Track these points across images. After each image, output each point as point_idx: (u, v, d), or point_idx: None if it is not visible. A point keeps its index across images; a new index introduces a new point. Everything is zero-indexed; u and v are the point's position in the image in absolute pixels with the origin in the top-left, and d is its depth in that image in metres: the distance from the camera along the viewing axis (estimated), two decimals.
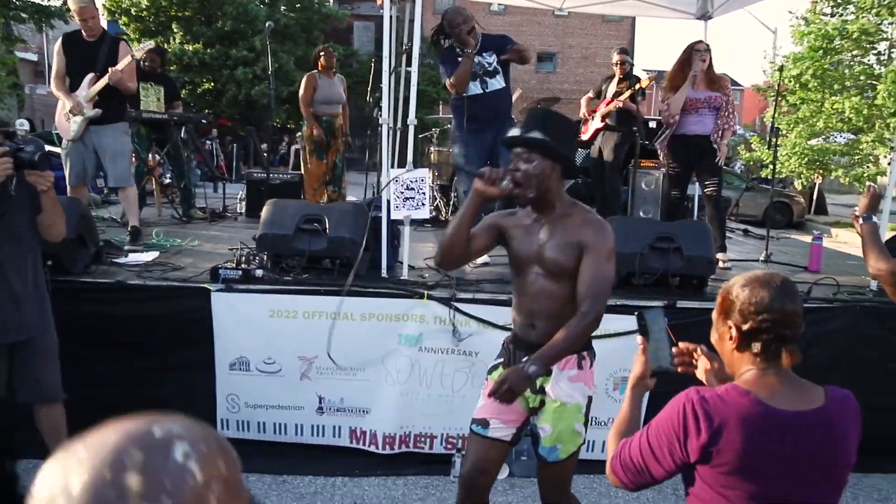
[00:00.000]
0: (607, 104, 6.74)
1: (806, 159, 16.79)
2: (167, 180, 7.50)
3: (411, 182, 4.34)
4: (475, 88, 5.08)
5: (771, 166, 16.60)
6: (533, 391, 2.64)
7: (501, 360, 2.82)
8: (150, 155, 6.83)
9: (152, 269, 4.38)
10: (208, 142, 19.56)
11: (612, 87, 6.81)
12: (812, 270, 5.33)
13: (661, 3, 7.63)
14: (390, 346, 4.12)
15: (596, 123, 6.91)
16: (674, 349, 1.92)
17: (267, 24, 6.67)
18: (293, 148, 17.89)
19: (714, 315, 1.75)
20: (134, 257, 4.63)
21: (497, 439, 2.72)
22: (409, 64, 6.47)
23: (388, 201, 4.38)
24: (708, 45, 5.63)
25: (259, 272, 4.12)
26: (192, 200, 7.03)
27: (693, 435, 1.58)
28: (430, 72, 26.32)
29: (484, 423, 2.73)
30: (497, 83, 5.14)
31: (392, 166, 4.86)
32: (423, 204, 4.38)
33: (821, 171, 17.74)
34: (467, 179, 5.20)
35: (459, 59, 5.03)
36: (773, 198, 9.69)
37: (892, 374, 4.37)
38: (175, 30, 23.07)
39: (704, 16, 7.56)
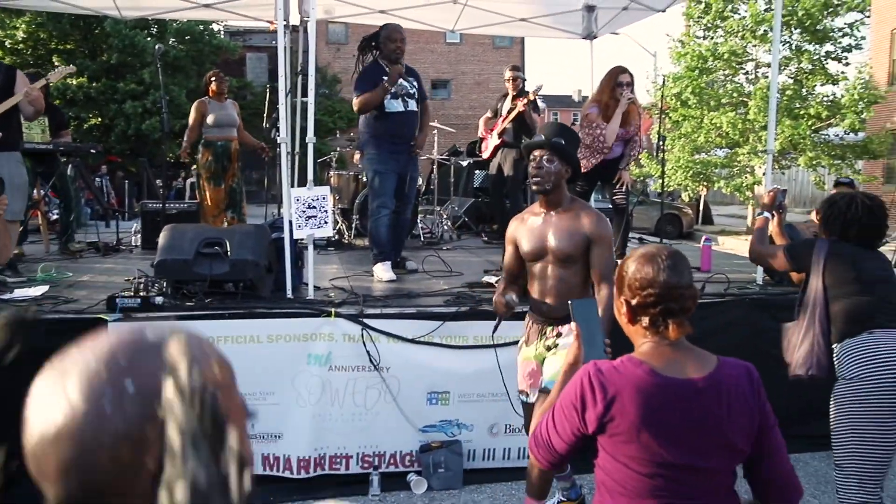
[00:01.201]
0: (503, 121, 6.93)
1: (691, 172, 17.75)
2: (54, 216, 7.12)
3: (313, 201, 4.31)
4: (398, 106, 5.20)
5: (659, 180, 17.40)
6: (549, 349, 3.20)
7: (524, 338, 3.37)
8: (33, 189, 6.48)
9: (42, 302, 4.15)
10: (98, 178, 18.72)
11: (507, 104, 7.01)
12: (704, 270, 5.62)
13: (548, 23, 7.95)
14: (299, 367, 4.04)
15: (494, 141, 7.08)
16: (606, 339, 2.02)
17: (157, 47, 6.51)
18: (189, 182, 17.37)
19: (614, 290, 1.85)
20: (21, 292, 4.37)
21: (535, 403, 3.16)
22: (304, 95, 6.47)
23: (290, 221, 4.33)
24: (632, 77, 5.43)
25: (159, 299, 3.97)
26: (72, 233, 6.65)
27: (590, 406, 1.64)
28: (325, 102, 26.24)
29: (524, 394, 3.34)
30: (414, 106, 5.30)
31: (292, 186, 4.81)
32: (326, 222, 4.35)
33: (705, 184, 18.77)
34: (381, 196, 5.23)
35: (384, 78, 5.12)
36: (663, 210, 10.17)
37: (780, 361, 4.64)
38: (56, 63, 22.08)
39: (590, 35, 7.92)
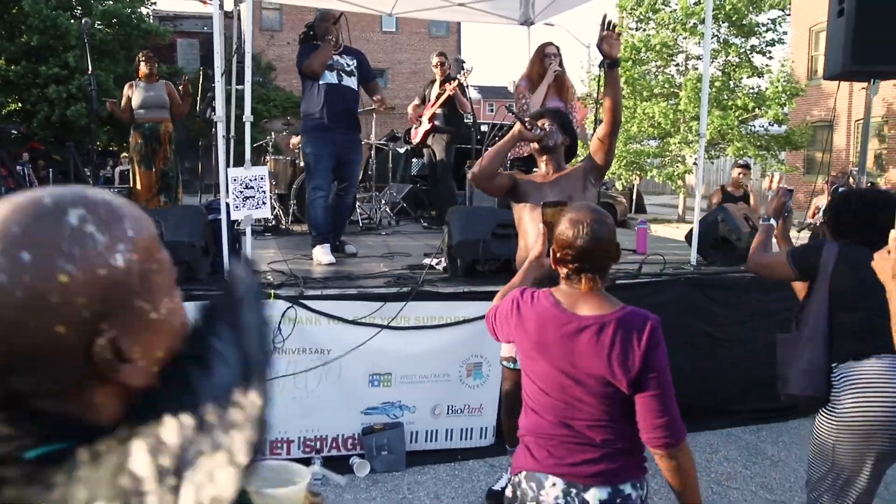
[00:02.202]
0: (432, 106, 6.93)
1: (624, 162, 18.12)
2: None
3: (250, 181, 4.21)
4: (331, 78, 5.13)
5: None
6: None
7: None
8: None
9: None
10: (19, 167, 17.86)
11: (436, 89, 7.02)
12: (640, 252, 5.74)
13: (485, 8, 7.95)
14: None
15: (424, 126, 7.08)
16: None
17: (84, 21, 6.25)
18: (118, 170, 16.78)
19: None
20: None
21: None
22: (239, 82, 6.32)
23: (228, 202, 4.23)
24: (558, 49, 5.57)
25: None
26: None
27: (511, 319, 2.01)
28: (259, 90, 25.73)
29: (512, 360, 3.47)
30: (352, 83, 5.24)
31: (228, 166, 4.70)
32: (264, 203, 4.26)
33: (638, 173, 19.21)
34: (317, 178, 5.15)
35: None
36: (598, 199, 10.31)
37: (715, 339, 4.79)
38: None
39: (527, 22, 7.97)
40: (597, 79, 12.36)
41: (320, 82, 5.12)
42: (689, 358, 4.44)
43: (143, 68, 6.72)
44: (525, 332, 1.95)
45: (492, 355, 4.13)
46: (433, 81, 7.19)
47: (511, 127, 5.42)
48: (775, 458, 4.43)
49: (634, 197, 21.96)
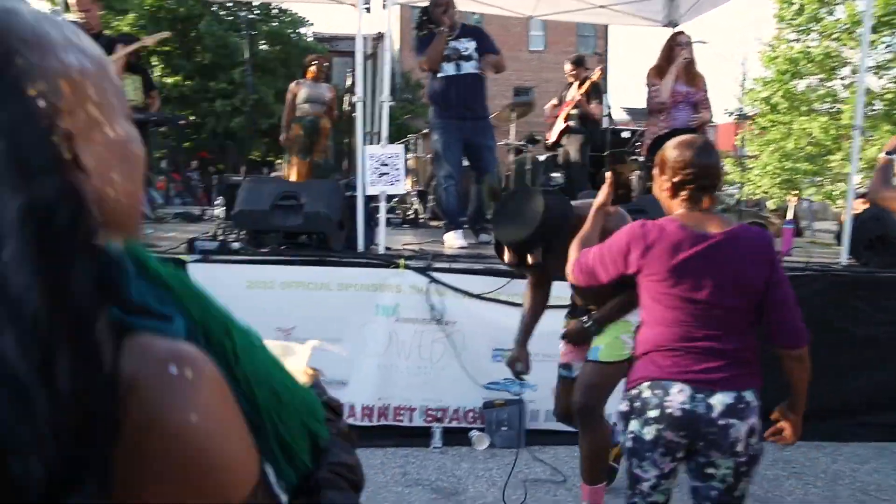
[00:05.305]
0: (566, 106, 6.94)
1: (778, 179, 17.14)
2: None
3: (386, 158, 4.38)
4: (449, 69, 5.21)
5: (742, 188, 16.84)
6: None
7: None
8: None
9: None
10: (189, 173, 19.48)
11: (573, 91, 7.00)
12: (784, 252, 5.41)
13: (629, 10, 7.84)
14: (367, 316, 4.11)
15: (559, 126, 7.08)
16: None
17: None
18: (273, 175, 17.94)
19: (654, 172, 2.17)
20: None
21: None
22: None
23: (363, 178, 4.41)
24: (689, 38, 5.57)
25: (236, 245, 4.13)
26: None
27: (633, 250, 2.05)
28: (407, 106, 26.59)
29: (567, 367, 3.12)
30: (471, 68, 5.27)
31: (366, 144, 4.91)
32: (399, 180, 4.42)
33: (793, 192, 18.07)
34: (446, 165, 5.28)
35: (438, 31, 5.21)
36: (749, 220, 9.83)
37: (858, 338, 4.42)
38: (154, 62, 23.19)
39: (671, 23, 7.77)
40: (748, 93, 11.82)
41: (439, 75, 5.23)
42: (825, 355, 4.13)
43: (312, 69, 7.26)
44: (656, 257, 2.02)
45: None
46: (571, 84, 7.18)
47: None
48: None
49: (790, 218, 20.65)
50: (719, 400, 1.96)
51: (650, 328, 2.10)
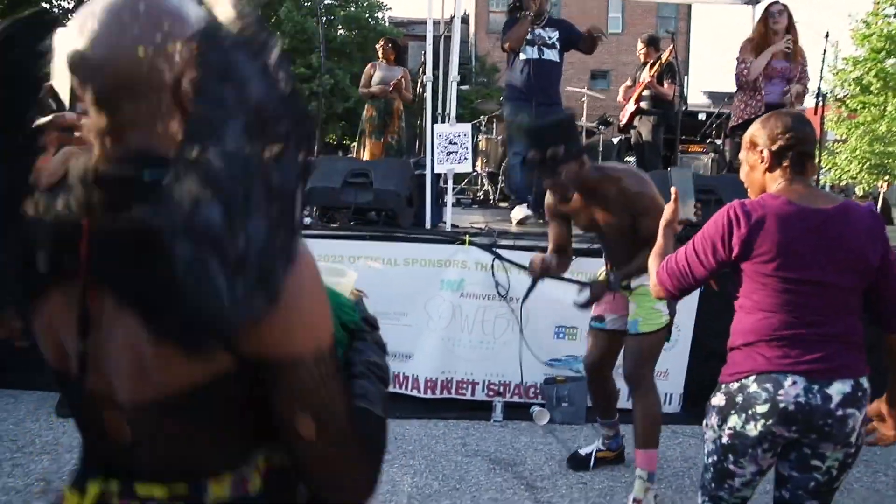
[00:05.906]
0: (639, 87, 6.83)
1: (867, 164, 16.37)
2: None
3: (454, 137, 4.45)
4: (532, 53, 5.28)
5: (829, 173, 16.16)
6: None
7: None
8: None
9: None
10: None
11: (645, 73, 6.87)
12: None
13: None
14: (432, 291, 4.21)
15: (630, 107, 6.98)
16: (697, 203, 2.26)
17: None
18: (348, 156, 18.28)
19: (742, 154, 2.07)
20: None
21: (614, 330, 3.27)
22: (461, 83, 6.62)
23: (432, 156, 4.49)
24: (785, 6, 5.30)
25: (307, 220, 4.28)
26: None
27: (736, 231, 1.91)
28: (482, 90, 26.55)
29: (600, 319, 3.32)
30: (553, 55, 5.35)
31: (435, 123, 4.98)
32: (466, 158, 4.49)
33: (885, 178, 17.22)
34: (517, 143, 5.31)
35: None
36: None
37: None
38: None
39: (752, 1, 7.53)
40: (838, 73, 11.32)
41: (521, 57, 5.28)
42: None
43: (381, 53, 7.38)
44: (763, 236, 1.88)
45: (679, 320, 4.00)
46: (645, 64, 7.07)
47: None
48: None
49: (880, 206, 19.72)
50: (837, 389, 1.86)
51: (750, 315, 1.96)
